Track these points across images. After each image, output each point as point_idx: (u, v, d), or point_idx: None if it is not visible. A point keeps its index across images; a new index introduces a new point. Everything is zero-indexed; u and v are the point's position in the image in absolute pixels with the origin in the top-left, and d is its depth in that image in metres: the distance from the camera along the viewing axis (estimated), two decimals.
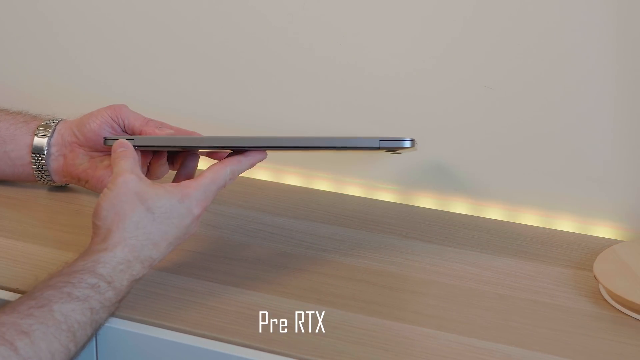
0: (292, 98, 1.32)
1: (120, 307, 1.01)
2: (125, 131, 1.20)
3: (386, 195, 1.30)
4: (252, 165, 1.09)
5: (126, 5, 1.36)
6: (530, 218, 1.25)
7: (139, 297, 1.04)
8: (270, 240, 1.18)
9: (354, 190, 1.32)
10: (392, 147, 1.07)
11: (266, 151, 1.10)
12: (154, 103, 1.39)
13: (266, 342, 0.98)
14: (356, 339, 0.99)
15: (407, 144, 1.07)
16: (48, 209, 1.23)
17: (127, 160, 1.06)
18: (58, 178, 1.24)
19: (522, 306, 1.05)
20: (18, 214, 1.22)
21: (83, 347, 0.96)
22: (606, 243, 1.17)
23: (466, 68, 1.22)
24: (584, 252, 1.16)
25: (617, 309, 1.04)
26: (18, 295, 1.04)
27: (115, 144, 1.09)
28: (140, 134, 1.19)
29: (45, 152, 1.22)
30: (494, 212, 1.26)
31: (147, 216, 1.02)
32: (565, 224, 1.23)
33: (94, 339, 1.01)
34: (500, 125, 1.23)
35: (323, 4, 1.26)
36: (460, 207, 1.27)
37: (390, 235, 1.20)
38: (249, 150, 1.09)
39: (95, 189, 1.22)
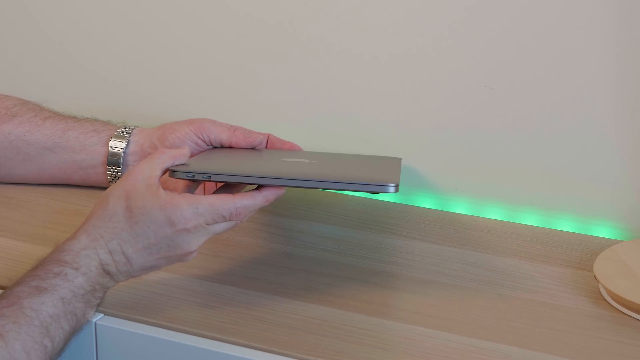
0: (292, 97, 1.32)
1: (105, 303, 1.01)
2: (211, 145, 1.19)
3: (386, 195, 1.30)
4: (267, 202, 1.04)
5: (128, 5, 1.36)
6: (530, 218, 1.25)
7: (139, 297, 1.04)
8: (270, 240, 1.18)
9: None
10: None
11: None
12: (154, 103, 1.39)
13: (266, 342, 0.98)
14: (356, 339, 0.99)
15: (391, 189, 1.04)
16: (48, 209, 1.23)
17: (153, 160, 1.03)
18: None
19: (522, 306, 1.05)
20: (18, 214, 1.22)
21: (64, 342, 0.95)
22: (606, 243, 1.17)
23: (466, 68, 1.22)
24: (584, 252, 1.16)
25: (617, 309, 1.04)
26: None
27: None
28: (229, 145, 1.18)
29: (122, 164, 1.22)
30: (494, 212, 1.26)
31: (124, 213, 1.00)
32: (565, 224, 1.23)
33: (94, 338, 1.01)
34: (500, 125, 1.23)
35: (324, 4, 1.26)
36: (460, 207, 1.27)
37: (390, 235, 1.20)
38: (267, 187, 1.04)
39: None
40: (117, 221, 1.00)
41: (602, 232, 1.22)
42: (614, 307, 1.05)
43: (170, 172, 1.04)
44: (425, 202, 1.29)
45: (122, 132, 1.23)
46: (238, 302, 1.04)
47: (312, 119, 1.31)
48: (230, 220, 1.02)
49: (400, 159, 1.22)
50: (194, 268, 1.10)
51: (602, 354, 0.98)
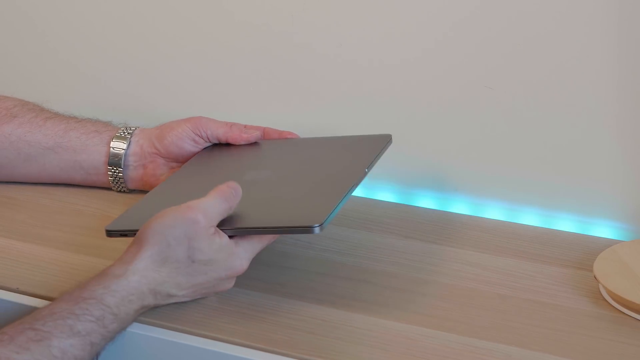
0: (292, 97, 1.32)
1: None
2: (209, 141, 1.20)
3: (386, 195, 1.30)
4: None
5: (129, 5, 1.36)
6: (530, 218, 1.25)
7: None
8: None
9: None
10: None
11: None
12: (154, 103, 1.39)
13: (266, 342, 0.98)
14: (356, 339, 0.99)
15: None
16: (48, 209, 1.23)
17: (214, 200, 1.01)
18: (134, 185, 1.24)
19: (522, 306, 1.05)
20: (18, 214, 1.22)
21: None
22: (606, 243, 1.17)
23: (467, 68, 1.22)
24: (584, 252, 1.16)
25: (617, 309, 1.04)
26: (18, 296, 1.05)
27: (231, 184, 1.03)
28: (226, 141, 1.20)
29: (123, 164, 1.22)
30: (494, 212, 1.26)
31: (186, 261, 0.99)
32: (565, 224, 1.23)
33: None
34: (500, 125, 1.23)
35: (324, 5, 1.26)
36: (460, 207, 1.27)
37: (390, 235, 1.20)
38: None
39: None
40: (176, 267, 0.99)
41: (602, 232, 1.22)
42: (614, 307, 1.05)
43: (107, 231, 1.05)
44: (425, 202, 1.29)
45: (124, 132, 1.23)
46: (238, 302, 1.04)
47: (312, 119, 1.31)
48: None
49: (388, 137, 1.18)
50: None
51: (602, 354, 0.98)
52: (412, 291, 1.08)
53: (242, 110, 1.34)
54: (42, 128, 1.23)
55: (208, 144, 1.21)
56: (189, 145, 1.20)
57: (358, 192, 1.31)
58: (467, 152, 1.25)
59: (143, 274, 0.98)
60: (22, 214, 1.22)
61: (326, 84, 1.29)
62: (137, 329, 1.00)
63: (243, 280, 1.08)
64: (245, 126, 1.22)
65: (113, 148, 1.22)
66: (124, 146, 1.22)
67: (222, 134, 1.20)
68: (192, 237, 0.99)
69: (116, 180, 1.23)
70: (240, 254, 1.02)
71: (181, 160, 1.22)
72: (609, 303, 1.05)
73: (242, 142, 1.20)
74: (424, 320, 1.02)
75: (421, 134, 1.27)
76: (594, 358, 0.97)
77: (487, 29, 1.20)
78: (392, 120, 1.28)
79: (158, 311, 1.02)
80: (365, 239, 1.19)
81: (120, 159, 1.22)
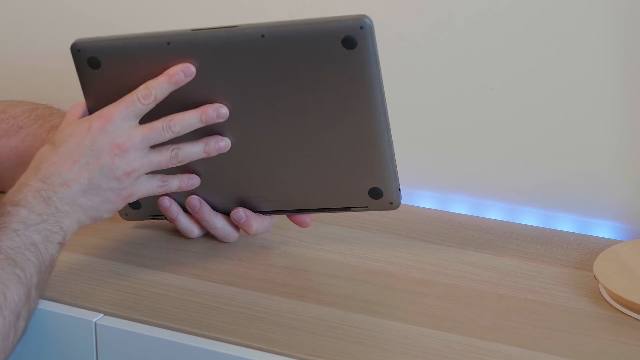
0: None
1: (105, 303, 1.01)
2: None
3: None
4: (203, 116, 1.05)
5: (131, 4, 1.37)
6: (530, 218, 1.25)
7: (139, 297, 1.04)
8: (270, 240, 1.18)
9: None
10: None
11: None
12: None
13: (266, 342, 0.98)
14: (356, 339, 0.99)
15: None
16: None
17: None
18: None
19: (522, 306, 1.05)
20: None
21: (38, 275, 0.97)
22: (606, 243, 1.17)
23: (466, 67, 1.22)
24: (584, 252, 1.16)
25: (617, 309, 1.04)
26: None
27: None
28: None
29: None
30: (494, 212, 1.26)
31: (48, 148, 1.04)
32: (565, 224, 1.23)
33: (94, 338, 1.01)
34: (499, 125, 1.23)
35: (322, 3, 1.26)
36: (460, 207, 1.27)
37: (390, 235, 1.20)
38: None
39: None
40: (41, 155, 1.04)
41: (602, 232, 1.22)
42: (614, 307, 1.05)
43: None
44: (425, 202, 1.29)
45: None
46: (238, 302, 1.04)
47: None
48: (164, 131, 1.04)
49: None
50: (194, 268, 1.10)
51: (602, 354, 0.98)
52: (412, 291, 1.08)
53: None
54: (45, 141, 1.22)
55: None
56: None
57: None
58: (467, 151, 1.25)
59: (23, 177, 1.03)
60: None
61: None
62: (137, 328, 1.00)
63: (243, 280, 1.08)
64: None
65: None
66: None
67: None
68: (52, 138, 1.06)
69: None
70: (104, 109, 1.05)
71: None
72: (609, 303, 1.05)
73: None
74: (424, 320, 1.02)
75: (421, 134, 1.27)
76: (594, 358, 0.97)
77: (488, 29, 1.20)
78: (391, 121, 1.27)
79: (158, 311, 1.02)
80: (365, 239, 1.19)
81: None
